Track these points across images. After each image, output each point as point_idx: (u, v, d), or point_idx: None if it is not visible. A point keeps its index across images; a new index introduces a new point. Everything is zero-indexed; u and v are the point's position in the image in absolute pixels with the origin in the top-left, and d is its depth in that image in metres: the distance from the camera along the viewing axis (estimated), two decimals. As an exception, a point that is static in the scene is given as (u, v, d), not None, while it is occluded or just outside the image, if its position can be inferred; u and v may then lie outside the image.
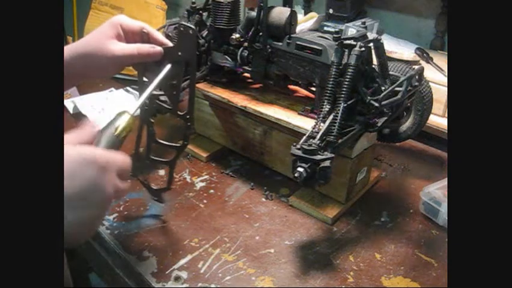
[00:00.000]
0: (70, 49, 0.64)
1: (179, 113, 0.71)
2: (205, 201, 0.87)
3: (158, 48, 0.65)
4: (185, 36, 0.65)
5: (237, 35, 0.88)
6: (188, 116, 0.70)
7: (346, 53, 0.73)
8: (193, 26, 0.64)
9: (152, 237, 0.77)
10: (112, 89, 1.28)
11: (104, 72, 0.67)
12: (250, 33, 0.87)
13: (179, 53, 0.66)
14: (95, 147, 0.51)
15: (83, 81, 0.70)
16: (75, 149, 0.47)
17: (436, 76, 1.07)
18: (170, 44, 0.67)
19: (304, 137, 0.69)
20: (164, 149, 0.76)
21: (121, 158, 0.51)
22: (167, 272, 0.70)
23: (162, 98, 0.72)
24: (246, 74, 0.97)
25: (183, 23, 0.65)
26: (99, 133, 0.53)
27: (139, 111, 0.67)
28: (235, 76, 1.00)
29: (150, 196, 0.82)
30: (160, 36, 0.67)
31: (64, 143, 0.45)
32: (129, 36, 0.66)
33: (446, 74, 1.07)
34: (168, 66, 0.66)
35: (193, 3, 0.97)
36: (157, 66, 0.66)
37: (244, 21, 0.89)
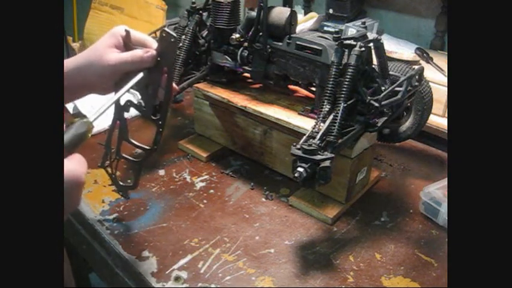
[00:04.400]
0: (72, 62, 0.64)
1: (153, 117, 0.70)
2: (205, 201, 0.87)
3: (151, 53, 0.64)
4: (166, 43, 0.63)
5: (237, 35, 0.88)
6: (160, 122, 0.69)
7: (346, 53, 0.73)
8: (175, 35, 0.62)
9: (152, 237, 0.77)
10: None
11: (102, 82, 0.66)
12: (250, 33, 0.87)
13: (158, 59, 0.64)
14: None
15: (87, 94, 0.69)
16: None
17: (436, 76, 1.07)
18: (152, 43, 0.66)
19: (304, 137, 0.69)
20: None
21: (85, 169, 0.51)
22: (167, 272, 0.70)
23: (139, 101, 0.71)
24: (246, 74, 0.97)
25: (166, 29, 0.63)
26: None
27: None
28: (235, 76, 1.00)
29: (116, 189, 0.81)
30: (141, 35, 0.66)
31: None
32: (129, 46, 0.66)
33: (446, 74, 1.07)
34: (140, 75, 0.64)
35: (193, 3, 0.98)
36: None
37: (244, 21, 0.89)
